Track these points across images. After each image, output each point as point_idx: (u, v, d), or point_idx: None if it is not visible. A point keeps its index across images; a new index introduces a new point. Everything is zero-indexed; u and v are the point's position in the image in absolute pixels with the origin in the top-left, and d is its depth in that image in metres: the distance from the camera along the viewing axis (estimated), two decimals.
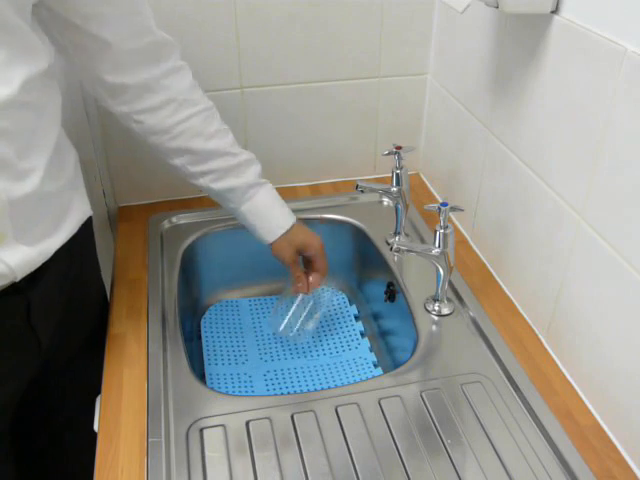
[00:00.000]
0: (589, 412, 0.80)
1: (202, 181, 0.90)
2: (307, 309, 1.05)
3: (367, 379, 0.97)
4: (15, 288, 0.72)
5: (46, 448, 0.99)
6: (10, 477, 0.88)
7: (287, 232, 0.94)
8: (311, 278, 1.00)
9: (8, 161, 0.66)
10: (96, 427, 0.79)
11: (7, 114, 0.65)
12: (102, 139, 1.14)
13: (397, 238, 1.11)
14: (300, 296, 1.04)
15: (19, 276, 0.71)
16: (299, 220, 0.97)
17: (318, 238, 0.98)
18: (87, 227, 0.87)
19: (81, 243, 0.85)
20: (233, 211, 0.94)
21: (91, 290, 0.96)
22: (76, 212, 0.82)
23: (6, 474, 0.87)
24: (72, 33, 0.75)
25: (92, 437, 0.78)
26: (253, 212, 0.93)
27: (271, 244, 0.95)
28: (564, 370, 0.85)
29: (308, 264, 1.00)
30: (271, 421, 0.78)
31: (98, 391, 0.83)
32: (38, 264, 0.73)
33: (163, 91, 0.83)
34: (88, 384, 0.90)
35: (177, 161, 0.89)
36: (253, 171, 0.91)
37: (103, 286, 1.00)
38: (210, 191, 0.92)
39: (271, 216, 0.94)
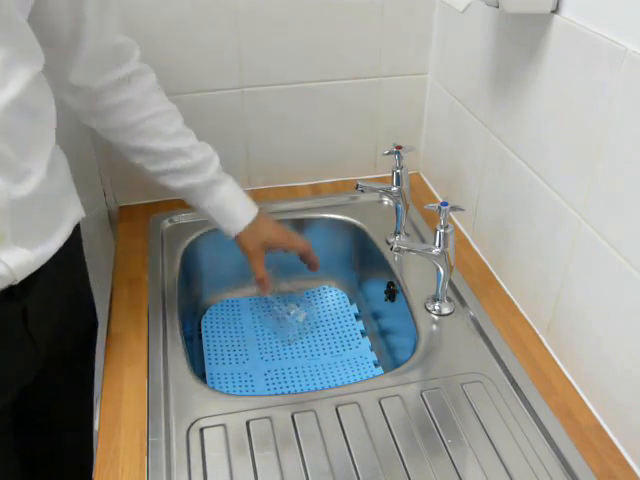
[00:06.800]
0: (590, 412, 0.80)
1: (162, 179, 0.92)
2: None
3: (367, 378, 0.97)
4: (10, 295, 0.71)
5: (46, 448, 0.99)
6: (17, 473, 0.88)
7: (250, 225, 0.94)
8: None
9: (10, 161, 0.66)
10: (96, 426, 0.79)
11: (9, 114, 0.65)
12: (102, 139, 1.14)
13: (397, 238, 1.11)
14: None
15: (19, 278, 0.70)
16: (267, 215, 0.97)
17: (290, 236, 0.98)
18: (76, 231, 0.86)
19: (71, 247, 0.85)
20: (196, 208, 0.95)
21: (82, 292, 0.95)
22: (70, 215, 0.82)
23: (13, 470, 0.87)
24: (48, 29, 0.75)
25: (92, 436, 0.78)
26: (214, 208, 0.93)
27: (235, 238, 0.95)
28: (564, 370, 0.85)
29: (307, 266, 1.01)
30: (271, 421, 0.78)
31: (94, 390, 0.84)
32: (36, 267, 0.73)
33: (124, 92, 0.85)
34: (84, 385, 0.90)
35: (136, 159, 0.91)
36: (212, 168, 0.92)
37: (90, 288, 0.99)
38: (171, 189, 0.93)
39: (232, 211, 0.94)
